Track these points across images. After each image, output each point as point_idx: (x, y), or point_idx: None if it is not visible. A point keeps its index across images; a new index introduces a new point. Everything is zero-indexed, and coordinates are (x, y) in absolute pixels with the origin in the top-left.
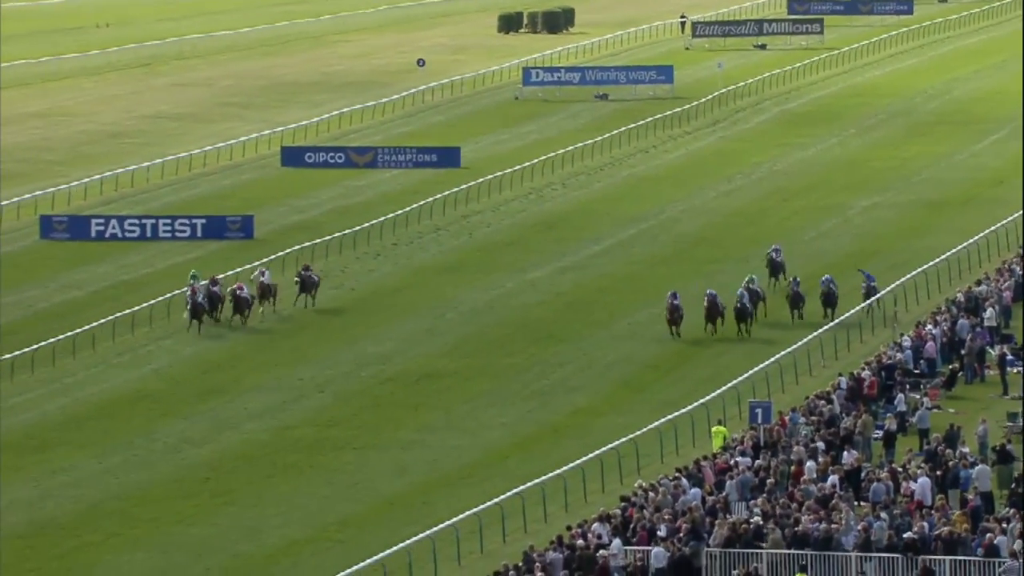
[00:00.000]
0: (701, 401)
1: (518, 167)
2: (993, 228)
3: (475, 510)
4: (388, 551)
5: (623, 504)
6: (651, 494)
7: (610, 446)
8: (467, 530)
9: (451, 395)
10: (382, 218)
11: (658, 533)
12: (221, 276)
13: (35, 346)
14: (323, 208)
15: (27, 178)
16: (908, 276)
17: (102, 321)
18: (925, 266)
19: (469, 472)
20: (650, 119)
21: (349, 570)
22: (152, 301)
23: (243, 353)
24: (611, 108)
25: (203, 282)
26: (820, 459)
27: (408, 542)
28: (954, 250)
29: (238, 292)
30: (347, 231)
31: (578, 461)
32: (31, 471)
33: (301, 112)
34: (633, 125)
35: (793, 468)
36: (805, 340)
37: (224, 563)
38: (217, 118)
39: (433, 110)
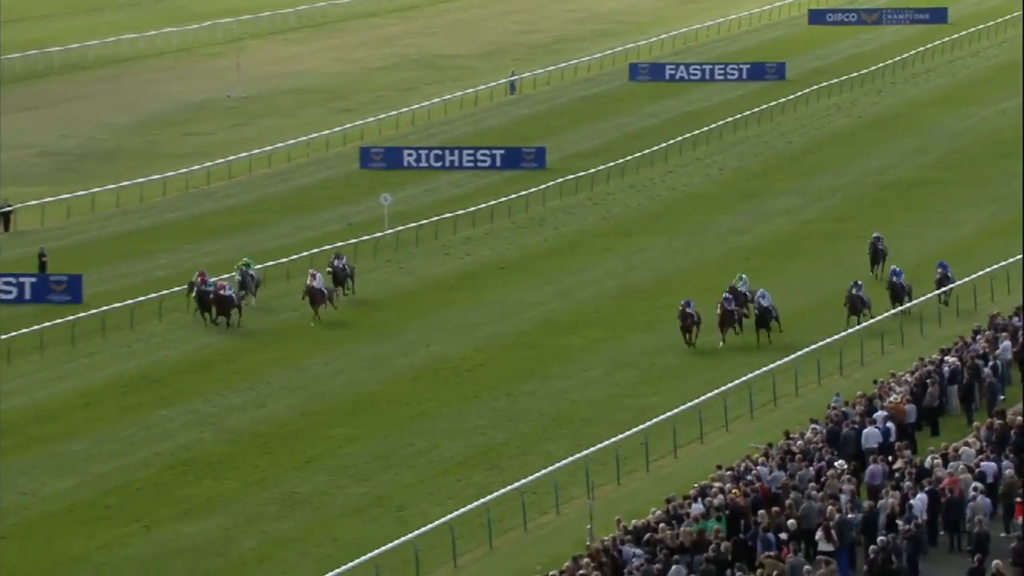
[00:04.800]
0: None
1: (995, 21)
2: None
3: (942, 290)
4: (884, 315)
5: None
6: None
7: None
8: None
9: (935, 198)
10: (883, 63)
11: None
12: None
13: (621, 160)
14: (839, 56)
15: (617, 36)
16: None
17: (670, 143)
18: None
19: (940, 257)
20: None
21: (848, 332)
22: (702, 129)
23: (776, 165)
24: None
25: (213, 279)
26: None
27: (892, 312)
28: None
29: (220, 291)
30: (856, 73)
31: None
32: (620, 250)
33: None
34: None
35: None
36: None
37: None
38: None
39: None
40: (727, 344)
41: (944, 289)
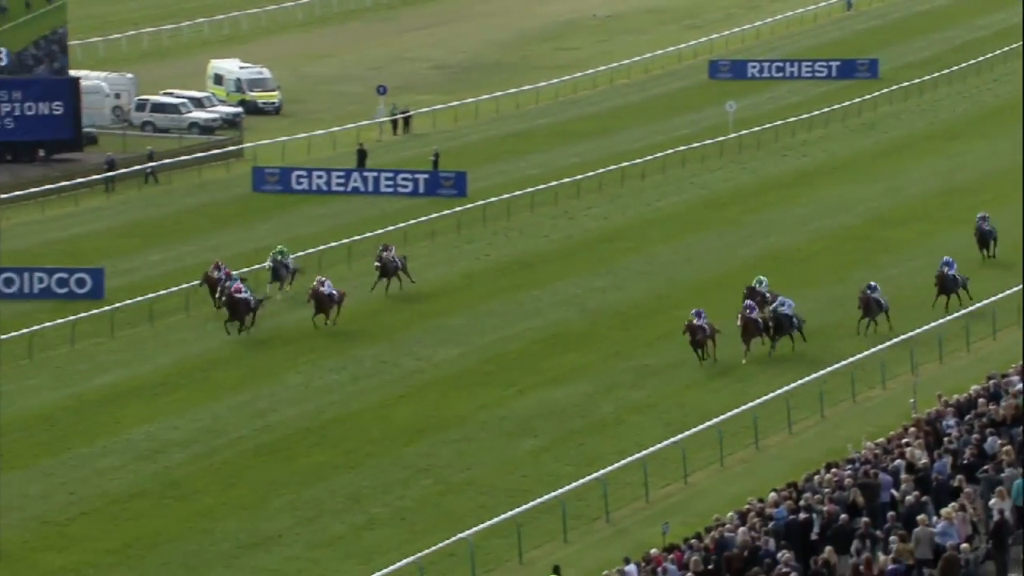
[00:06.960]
0: None
1: None
2: None
3: None
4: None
5: None
6: None
7: None
8: None
9: None
10: None
11: None
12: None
13: (948, 70)
14: None
15: None
16: None
17: (996, 53)
18: None
19: None
20: None
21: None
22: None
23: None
24: None
25: (236, 272)
26: None
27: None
28: None
29: (235, 294)
30: None
31: None
32: (945, 152)
33: None
34: None
35: None
36: None
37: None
38: None
39: None
40: (752, 354)
41: None
